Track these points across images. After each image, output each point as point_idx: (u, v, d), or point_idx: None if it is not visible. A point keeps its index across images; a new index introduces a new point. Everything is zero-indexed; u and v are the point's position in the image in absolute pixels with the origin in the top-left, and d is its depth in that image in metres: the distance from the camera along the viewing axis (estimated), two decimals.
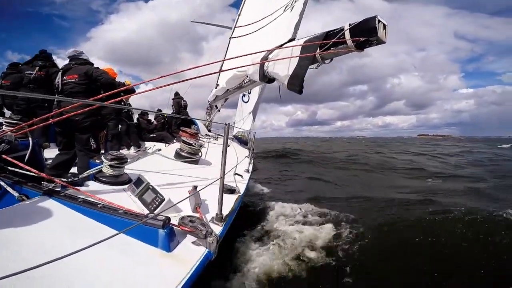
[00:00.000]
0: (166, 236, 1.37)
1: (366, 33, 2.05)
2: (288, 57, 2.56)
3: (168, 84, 2.05)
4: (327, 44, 2.30)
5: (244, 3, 7.92)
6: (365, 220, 4.35)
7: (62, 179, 2.01)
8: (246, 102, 9.70)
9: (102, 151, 4.22)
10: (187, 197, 1.87)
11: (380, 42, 2.08)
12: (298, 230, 3.95)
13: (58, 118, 2.57)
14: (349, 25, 2.14)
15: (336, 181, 8.52)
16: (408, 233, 3.85)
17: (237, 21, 7.71)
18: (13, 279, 0.72)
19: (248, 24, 6.42)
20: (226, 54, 7.68)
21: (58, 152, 3.02)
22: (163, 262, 1.27)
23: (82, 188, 1.98)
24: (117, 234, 0.98)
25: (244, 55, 2.58)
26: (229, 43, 7.72)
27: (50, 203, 1.64)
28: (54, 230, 1.38)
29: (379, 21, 2.00)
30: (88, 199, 1.71)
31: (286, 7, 4.42)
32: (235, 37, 7.38)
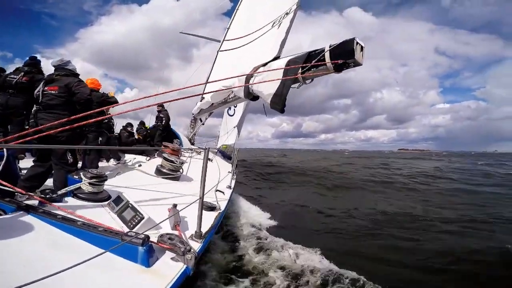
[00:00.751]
0: (145, 253, 1.44)
1: (344, 55, 2.20)
2: (272, 79, 2.70)
3: (151, 105, 2.13)
4: (308, 66, 2.45)
5: (233, 17, 8.15)
6: None
7: (41, 195, 2.01)
8: (231, 116, 9.79)
9: (80, 164, 4.14)
10: (167, 218, 1.94)
11: (356, 64, 2.23)
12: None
13: (36, 136, 2.52)
14: (330, 46, 2.29)
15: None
16: None
17: (226, 35, 7.89)
18: None
19: (236, 38, 6.60)
20: (213, 67, 7.80)
21: (32, 164, 2.94)
22: (143, 277, 1.34)
23: (60, 204, 2.00)
24: (103, 252, 1.04)
25: (228, 78, 2.73)
26: (216, 56, 7.85)
27: (29, 219, 1.66)
28: (35, 246, 1.41)
29: (357, 43, 2.15)
30: (67, 216, 1.73)
31: (274, 23, 4.62)
32: (223, 50, 7.53)
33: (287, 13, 4.22)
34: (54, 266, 1.19)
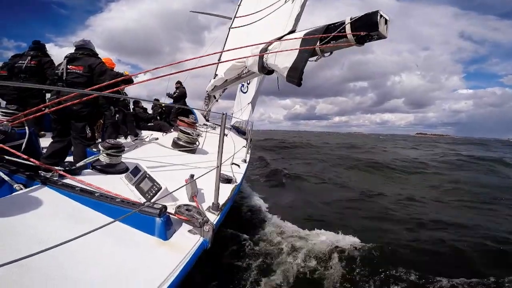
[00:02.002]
0: (163, 224, 1.39)
1: (367, 28, 2.04)
2: (288, 50, 2.53)
3: (166, 75, 2.03)
4: (327, 38, 2.28)
5: None
6: None
7: (59, 167, 2.01)
8: (245, 93, 9.64)
9: (99, 140, 4.22)
10: (183, 185, 1.88)
11: (381, 37, 2.07)
12: None
13: (55, 108, 2.56)
14: (351, 19, 2.12)
15: None
16: None
17: (237, 11, 7.54)
18: (8, 268, 0.72)
19: (248, 15, 6.29)
20: (225, 44, 7.55)
21: (52, 141, 3.01)
22: (160, 250, 1.30)
23: (79, 177, 1.99)
24: (113, 221, 0.99)
25: (243, 47, 2.56)
26: (228, 33, 7.59)
27: (47, 192, 1.64)
28: (50, 219, 1.38)
29: (381, 15, 1.98)
30: (85, 187, 1.72)
31: None
32: (234, 28, 7.25)
33: None
34: (67, 238, 1.18)
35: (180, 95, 7.65)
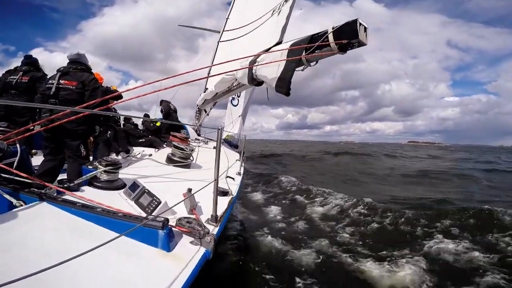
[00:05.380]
0: (166, 236, 1.44)
1: (348, 36, 2.18)
2: (275, 61, 2.67)
3: (155, 91, 2.11)
4: (312, 47, 2.42)
5: (232, 7, 8.00)
6: None
7: (58, 184, 2.02)
8: (235, 106, 9.78)
9: (91, 158, 4.20)
10: (182, 200, 1.93)
11: (361, 44, 2.21)
12: None
13: (49, 126, 2.55)
14: (332, 28, 2.27)
15: None
16: None
17: (225, 25, 7.78)
18: (21, 282, 0.76)
19: (236, 28, 6.49)
20: (214, 58, 7.72)
21: (43, 159, 2.98)
22: (164, 261, 1.34)
23: (77, 193, 2.01)
24: (119, 236, 1.04)
25: (231, 60, 2.70)
26: (217, 47, 7.78)
27: (48, 208, 1.66)
28: (55, 233, 1.41)
29: (360, 24, 2.13)
30: (86, 203, 1.74)
31: (273, 11, 4.53)
32: (223, 41, 7.44)
33: (285, 0, 4.13)
34: (75, 253, 1.21)
35: (165, 114, 7.66)
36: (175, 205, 1.74)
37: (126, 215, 1.59)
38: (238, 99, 9.89)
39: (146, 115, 8.70)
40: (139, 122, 8.06)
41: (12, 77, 4.15)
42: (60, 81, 2.87)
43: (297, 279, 3.03)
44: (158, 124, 8.12)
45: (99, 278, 1.15)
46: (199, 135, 8.51)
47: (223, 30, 7.76)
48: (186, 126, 7.57)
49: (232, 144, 8.56)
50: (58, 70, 2.98)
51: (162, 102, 7.89)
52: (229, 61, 2.74)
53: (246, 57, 3.20)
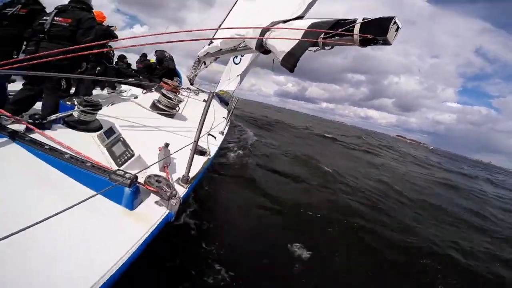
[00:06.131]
0: (131, 195, 1.45)
1: (376, 31, 2.02)
2: (290, 37, 2.50)
3: (157, 43, 1.96)
4: (332, 33, 2.26)
5: None
6: None
7: (29, 120, 1.95)
8: (237, 64, 9.32)
9: (73, 90, 4.03)
10: (158, 161, 1.94)
11: (386, 43, 2.05)
12: None
13: (34, 62, 2.38)
14: (363, 19, 2.09)
15: None
16: None
17: None
18: None
19: None
20: (229, 13, 7.16)
21: (21, 87, 2.85)
22: (125, 220, 1.37)
23: (48, 132, 1.96)
24: (95, 195, 1.03)
25: (241, 28, 2.49)
26: (235, 2, 7.16)
27: (13, 148, 1.62)
28: (19, 180, 1.39)
29: (394, 22, 1.96)
30: (55, 146, 1.71)
31: None
32: None
33: None
34: (39, 206, 1.20)
35: (158, 60, 7.38)
36: (149, 166, 1.74)
37: (94, 166, 1.58)
38: (241, 58, 9.41)
39: (144, 55, 8.27)
40: (133, 63, 7.77)
41: (9, 8, 3.80)
42: (55, 18, 2.81)
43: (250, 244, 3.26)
44: (152, 60, 7.78)
45: (57, 232, 1.14)
46: (192, 84, 8.24)
47: None
48: (181, 73, 7.29)
49: (223, 100, 8.38)
50: (55, 8, 2.90)
51: (156, 51, 7.59)
52: (240, 28, 2.53)
53: (259, 27, 2.97)
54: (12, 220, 1.07)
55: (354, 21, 2.14)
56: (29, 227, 0.82)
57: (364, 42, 2.11)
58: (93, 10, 3.21)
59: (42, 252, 1.05)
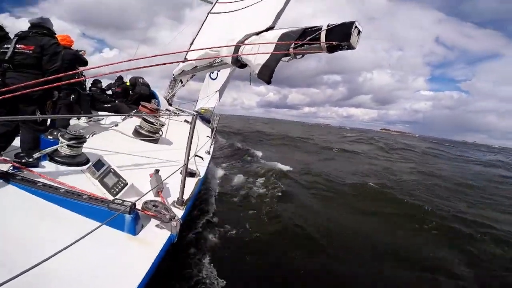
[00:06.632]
0: (132, 221, 1.52)
1: (340, 37, 2.20)
2: (263, 52, 2.65)
3: (131, 69, 2.04)
4: (301, 43, 2.42)
5: None
6: None
7: (15, 159, 1.95)
8: (214, 79, 9.44)
9: (49, 122, 3.95)
10: (153, 188, 2.00)
11: (350, 48, 2.24)
12: None
13: (6, 96, 2.37)
14: (327, 25, 2.28)
15: None
16: None
17: None
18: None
19: (230, 2, 6.16)
20: (200, 28, 7.31)
21: None
22: (130, 245, 1.43)
23: (37, 170, 1.97)
24: (100, 225, 1.09)
25: (215, 47, 2.62)
26: (206, 18, 7.34)
27: (6, 187, 1.63)
28: (20, 217, 1.41)
29: (355, 27, 2.15)
30: (48, 183, 1.73)
31: None
32: (214, 13, 7.03)
33: None
34: (46, 240, 1.23)
35: (131, 85, 7.37)
36: (146, 193, 1.79)
37: (91, 197, 1.63)
38: (217, 73, 9.55)
39: (120, 78, 8.19)
40: (108, 88, 7.69)
41: None
42: (17, 45, 2.70)
43: (259, 258, 3.32)
44: (127, 83, 7.74)
45: (65, 261, 1.16)
46: (170, 105, 8.25)
47: (216, 1, 7.29)
48: (158, 95, 7.31)
49: (204, 118, 8.44)
50: (16, 35, 2.79)
51: (131, 77, 7.62)
52: (214, 48, 2.66)
53: (232, 45, 3.12)
54: (21, 259, 1.10)
55: (320, 28, 2.33)
56: (40, 263, 0.86)
57: (331, 49, 2.31)
58: (56, 35, 3.12)
59: (55, 287, 1.09)
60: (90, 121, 5.23)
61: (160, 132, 4.19)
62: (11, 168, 1.89)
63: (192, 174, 2.81)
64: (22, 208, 1.50)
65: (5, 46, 2.75)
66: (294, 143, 19.41)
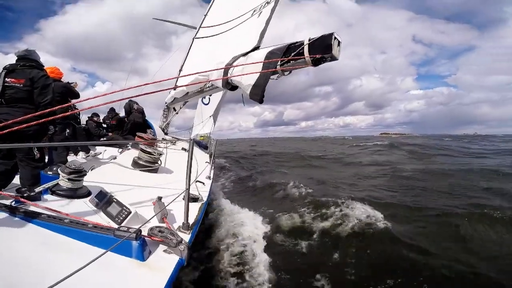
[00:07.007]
0: (140, 247, 1.51)
1: (322, 50, 2.31)
2: (251, 72, 2.73)
3: (123, 99, 2.11)
4: (287, 60, 2.52)
5: (212, 3, 7.83)
6: None
7: (17, 194, 1.96)
8: (206, 104, 9.58)
9: (46, 158, 3.95)
10: (156, 214, 2.00)
11: (333, 59, 2.34)
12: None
13: (1, 132, 2.39)
14: (309, 39, 2.39)
15: None
16: None
17: (203, 21, 7.56)
18: None
19: (214, 25, 6.37)
20: (187, 55, 7.49)
21: None
22: (140, 271, 1.41)
23: (40, 203, 1.97)
24: (106, 252, 1.09)
25: (205, 71, 2.72)
26: (192, 43, 7.53)
27: (11, 220, 1.63)
28: (28, 248, 1.40)
29: (334, 38, 2.26)
30: (52, 214, 1.73)
31: (254, 11, 4.52)
32: (199, 38, 7.26)
33: (267, 2, 4.18)
34: (54, 268, 1.22)
35: (126, 112, 7.45)
36: (149, 219, 1.80)
37: (96, 226, 1.62)
38: (209, 98, 9.66)
39: (112, 109, 8.29)
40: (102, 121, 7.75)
41: None
42: (6, 79, 2.68)
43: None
44: (120, 114, 7.82)
45: None
46: (166, 134, 8.33)
47: (200, 26, 7.54)
48: (153, 125, 7.40)
49: (201, 144, 8.50)
50: (4, 68, 2.77)
51: (126, 103, 7.68)
52: (204, 72, 2.76)
53: (221, 68, 3.20)
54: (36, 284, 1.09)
55: (302, 43, 2.44)
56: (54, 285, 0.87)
57: (315, 62, 2.40)
58: (44, 67, 3.09)
59: None
60: (88, 156, 5.25)
61: (159, 162, 4.20)
62: (14, 202, 1.90)
63: (195, 199, 2.82)
64: (27, 239, 1.49)
65: None
66: (317, 161, 16.39)
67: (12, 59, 2.93)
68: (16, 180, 2.70)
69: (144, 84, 2.20)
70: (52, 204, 1.98)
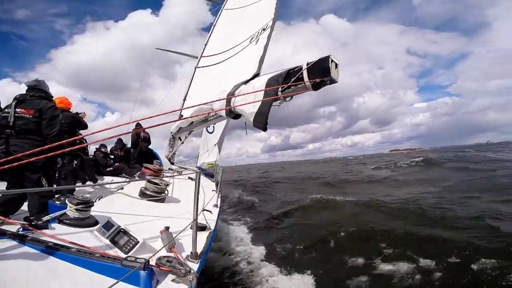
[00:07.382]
0: (148, 276, 1.48)
1: (321, 73, 2.31)
2: (254, 100, 2.75)
3: (130, 132, 2.17)
4: (287, 86, 2.54)
5: (211, 33, 8.24)
6: None
7: (24, 222, 1.96)
8: (211, 133, 9.75)
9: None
10: (165, 245, 1.99)
11: (332, 81, 2.35)
12: None
13: (14, 164, 2.42)
14: (307, 64, 2.42)
15: None
16: None
17: (203, 51, 7.87)
18: None
19: (214, 54, 6.64)
20: (190, 84, 7.74)
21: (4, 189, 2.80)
22: None
23: (47, 231, 1.96)
24: (116, 282, 1.07)
25: (208, 102, 2.80)
26: (194, 73, 7.79)
27: (19, 247, 1.62)
28: (36, 276, 1.39)
29: (332, 60, 2.28)
30: (60, 242, 1.72)
31: (252, 39, 4.73)
32: (200, 67, 7.53)
33: (263, 29, 4.40)
34: None
35: (132, 143, 7.58)
36: (159, 250, 1.77)
37: (104, 256, 1.60)
38: (213, 126, 9.84)
39: (120, 140, 8.46)
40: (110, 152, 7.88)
41: None
42: (16, 109, 2.73)
43: None
44: (127, 145, 7.93)
45: None
46: (172, 163, 8.38)
47: (201, 56, 7.86)
48: (159, 155, 7.49)
49: (207, 173, 8.50)
50: (14, 98, 2.82)
51: (136, 126, 7.79)
52: (207, 103, 2.80)
53: (224, 98, 3.26)
54: None
55: (301, 68, 2.46)
56: None
57: (315, 86, 2.41)
58: (53, 98, 3.14)
59: None
60: (95, 185, 5.27)
61: (166, 192, 4.19)
62: (21, 229, 1.90)
63: (203, 228, 2.77)
64: (34, 266, 1.47)
65: (6, 110, 2.79)
66: (339, 188, 14.22)
67: (24, 89, 2.96)
68: (25, 207, 2.72)
69: (149, 117, 2.24)
70: (60, 232, 1.97)
